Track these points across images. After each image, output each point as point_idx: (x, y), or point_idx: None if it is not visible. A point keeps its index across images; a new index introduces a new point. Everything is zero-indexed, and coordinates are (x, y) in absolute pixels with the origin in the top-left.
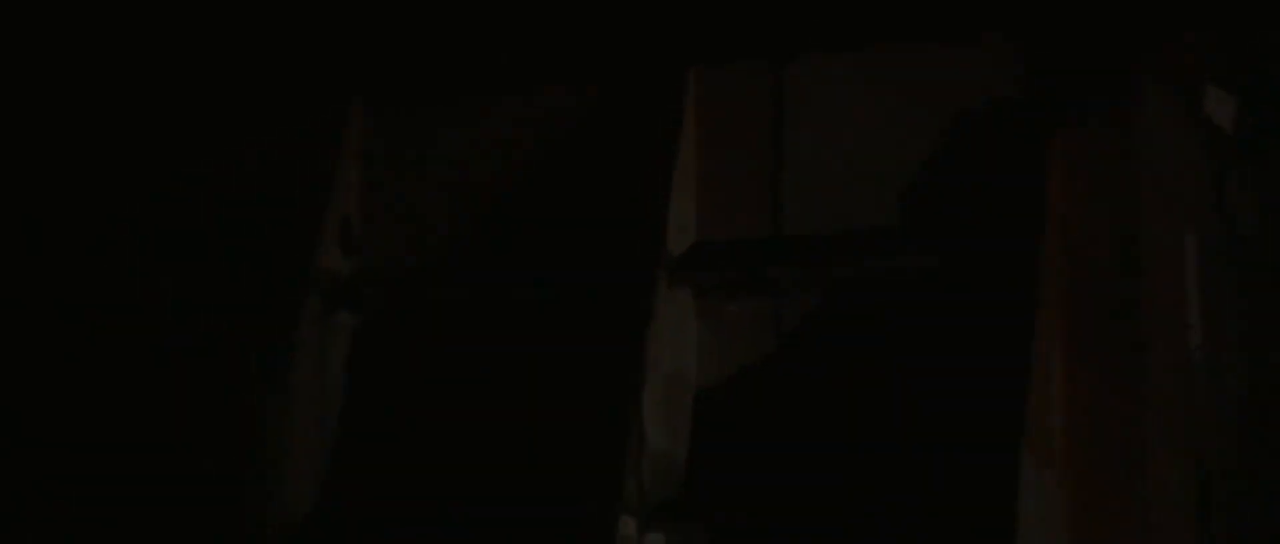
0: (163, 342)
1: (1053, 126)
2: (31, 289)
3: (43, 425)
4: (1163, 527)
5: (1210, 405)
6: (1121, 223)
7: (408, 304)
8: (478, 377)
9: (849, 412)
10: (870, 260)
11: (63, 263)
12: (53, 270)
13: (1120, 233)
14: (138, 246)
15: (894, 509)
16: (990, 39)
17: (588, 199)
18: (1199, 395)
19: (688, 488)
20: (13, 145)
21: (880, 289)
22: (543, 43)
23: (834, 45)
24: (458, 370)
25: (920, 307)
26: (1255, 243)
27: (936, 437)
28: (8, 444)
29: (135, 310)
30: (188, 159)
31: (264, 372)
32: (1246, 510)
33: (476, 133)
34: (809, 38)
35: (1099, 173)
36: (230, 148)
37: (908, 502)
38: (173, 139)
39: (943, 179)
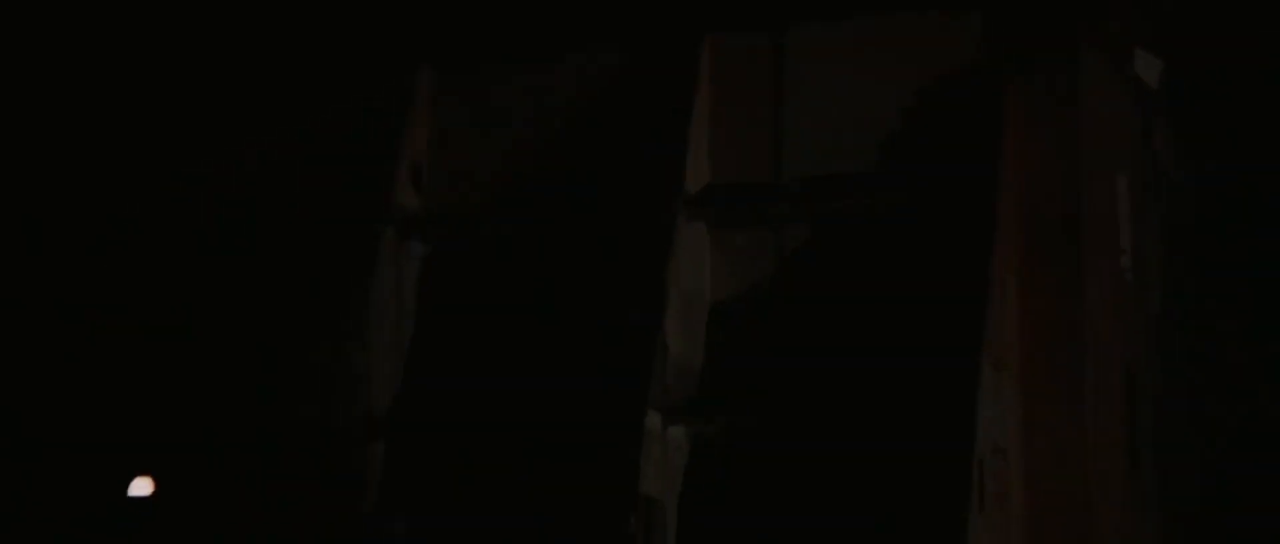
0: (263, 266)
1: (1007, 82)
2: (162, 222)
3: (169, 323)
4: (1097, 417)
5: (1136, 317)
6: (1065, 165)
7: (468, 234)
8: (526, 294)
9: (837, 323)
10: (855, 198)
11: (186, 199)
12: (176, 204)
13: (1064, 173)
14: (248, 187)
15: (876, 403)
16: (956, 9)
17: (618, 147)
18: (1127, 309)
19: (703, 388)
20: (128, 110)
21: (863, 221)
22: (581, 15)
23: (828, 15)
24: (509, 289)
25: (896, 235)
26: (1175, 183)
27: (912, 343)
28: (163, 334)
29: (246, 239)
30: (285, 117)
31: (351, 288)
32: (1162, 402)
33: (525, 91)
34: (806, 8)
35: (1046, 123)
36: (319, 106)
37: (887, 398)
38: (273, 101)
39: (916, 127)
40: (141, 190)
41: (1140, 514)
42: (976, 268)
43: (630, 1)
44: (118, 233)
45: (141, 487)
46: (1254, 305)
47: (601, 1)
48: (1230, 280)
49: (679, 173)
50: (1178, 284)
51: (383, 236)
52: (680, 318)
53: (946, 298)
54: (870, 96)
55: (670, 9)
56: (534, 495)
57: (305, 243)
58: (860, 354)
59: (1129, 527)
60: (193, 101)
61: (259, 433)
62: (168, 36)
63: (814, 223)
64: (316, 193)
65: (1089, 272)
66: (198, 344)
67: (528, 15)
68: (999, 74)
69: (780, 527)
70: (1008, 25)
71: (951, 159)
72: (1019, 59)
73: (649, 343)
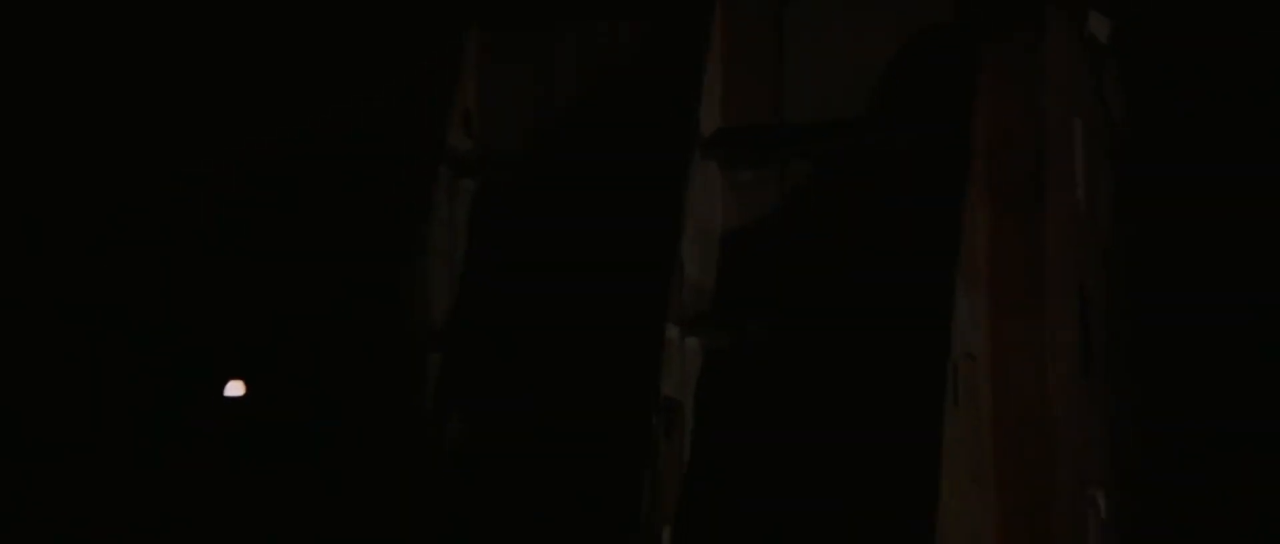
0: (337, 203)
1: (981, 40)
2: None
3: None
4: (1055, 328)
5: (1088, 242)
6: (1030, 112)
7: (512, 172)
8: (562, 225)
9: (831, 248)
10: (847, 140)
11: (270, 146)
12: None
13: (1029, 119)
14: (323, 136)
15: (864, 317)
16: None
17: (641, 97)
18: (1081, 234)
19: (715, 305)
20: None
21: (854, 160)
22: None
23: None
24: (548, 220)
25: (883, 172)
26: (1122, 126)
27: (896, 265)
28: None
29: (319, 183)
30: (356, 76)
31: (412, 219)
32: (1110, 318)
33: (562, 48)
34: None
35: (1015, 76)
36: (383, 65)
37: (874, 312)
38: (343, 57)
39: (901, 78)
40: (222, 142)
41: (1091, 412)
42: (952, 200)
43: None
44: (188, 188)
45: (234, 388)
46: (1189, 228)
47: None
48: (1168, 208)
49: (694, 119)
50: (1124, 212)
51: (439, 174)
52: (695, 244)
53: (926, 226)
54: (861, 52)
55: None
56: (570, 396)
57: (373, 182)
58: (850, 276)
59: (1081, 422)
60: (274, 67)
61: (337, 339)
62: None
63: (811, 162)
64: (382, 138)
65: (1049, 203)
66: (281, 268)
67: None
68: (974, 33)
69: (782, 422)
70: None
71: (932, 106)
72: (992, 20)
73: (668, 265)
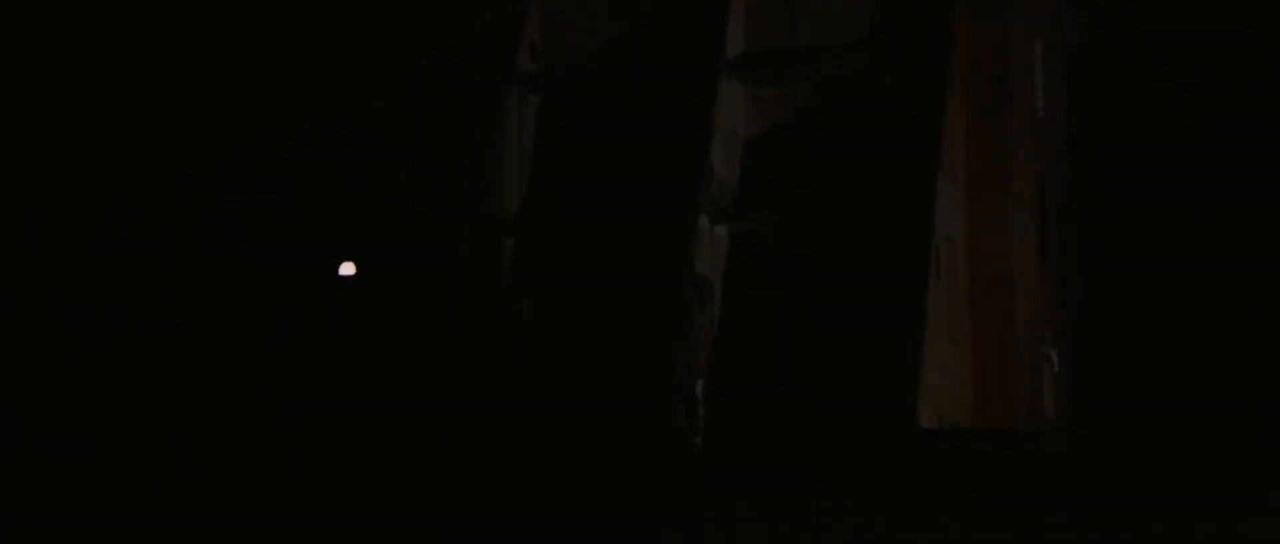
0: (430, 118)
1: None
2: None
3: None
4: (1018, 218)
5: (1048, 144)
6: (998, 37)
7: (571, 88)
8: (611, 131)
9: (834, 151)
10: (848, 61)
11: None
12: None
13: (996, 41)
14: (410, 61)
15: (863, 206)
16: None
17: (676, 24)
18: (1040, 137)
19: (740, 198)
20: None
21: (853, 79)
22: None
23: None
24: (598, 129)
25: (877, 86)
26: (1075, 47)
27: (887, 163)
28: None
29: (401, 102)
30: (442, 11)
31: (489, 129)
32: (1066, 211)
33: None
34: None
35: (985, 5)
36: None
37: (870, 201)
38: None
39: (891, 10)
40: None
41: (1048, 291)
42: (933, 110)
43: None
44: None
45: (347, 268)
46: (1134, 132)
47: None
48: (1115, 114)
49: (721, 43)
50: (1077, 118)
51: (510, 92)
52: (723, 149)
53: (912, 131)
54: None
55: None
56: (619, 275)
57: (456, 100)
58: (850, 174)
59: (1039, 291)
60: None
61: (434, 218)
62: None
63: (817, 79)
64: (463, 64)
65: (1013, 111)
66: (387, 170)
67: None
68: None
69: (793, 295)
70: None
71: (918, 30)
72: None
73: (699, 165)
